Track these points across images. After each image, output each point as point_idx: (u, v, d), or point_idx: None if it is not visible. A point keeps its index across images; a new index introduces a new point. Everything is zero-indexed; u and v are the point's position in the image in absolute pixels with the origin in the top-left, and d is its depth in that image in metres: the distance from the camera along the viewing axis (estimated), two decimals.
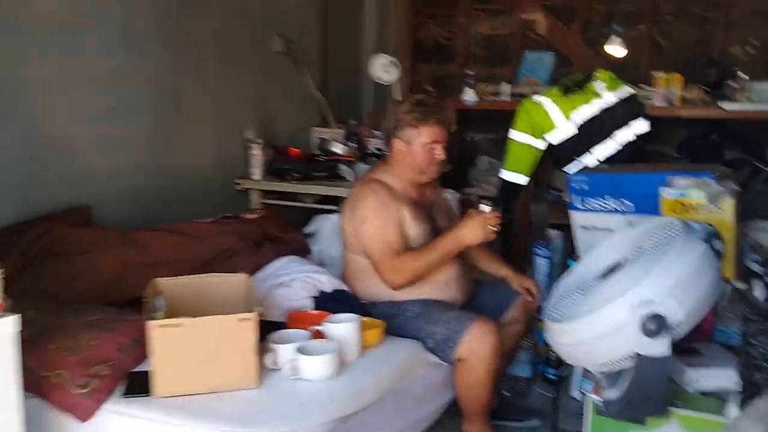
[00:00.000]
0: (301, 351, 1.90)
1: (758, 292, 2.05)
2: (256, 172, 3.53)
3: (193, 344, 1.79)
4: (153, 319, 1.80)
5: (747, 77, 3.62)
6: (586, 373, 2.71)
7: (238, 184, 3.58)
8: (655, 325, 1.75)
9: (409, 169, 2.41)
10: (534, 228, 4.15)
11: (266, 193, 3.62)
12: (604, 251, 2.19)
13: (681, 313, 1.77)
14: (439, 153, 2.40)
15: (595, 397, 2.00)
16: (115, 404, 1.80)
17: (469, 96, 3.92)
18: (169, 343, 1.77)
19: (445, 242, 2.29)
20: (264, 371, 1.90)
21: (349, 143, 3.76)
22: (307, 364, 1.87)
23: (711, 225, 1.98)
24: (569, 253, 3.15)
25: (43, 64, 2.53)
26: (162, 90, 3.11)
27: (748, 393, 1.49)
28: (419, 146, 2.37)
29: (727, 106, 3.55)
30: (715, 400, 1.95)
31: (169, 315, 1.90)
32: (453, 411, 2.42)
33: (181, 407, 1.76)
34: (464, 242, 2.27)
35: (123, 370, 1.88)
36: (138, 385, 1.83)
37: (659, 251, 1.91)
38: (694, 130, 4.10)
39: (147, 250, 2.36)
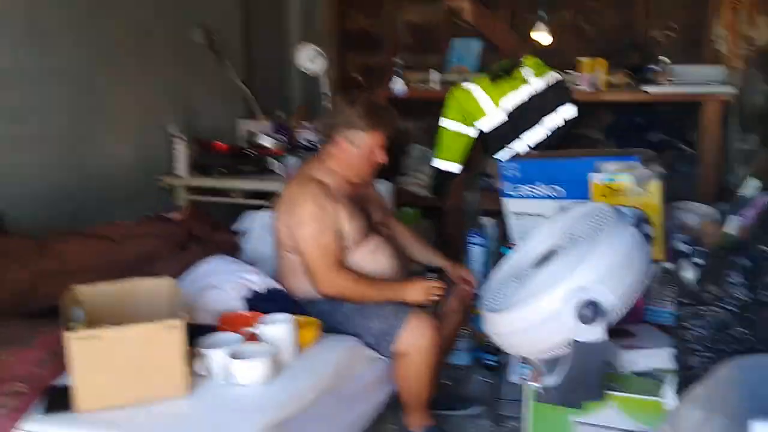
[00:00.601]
0: (234, 355, 1.82)
1: (686, 272, 2.10)
2: (181, 169, 3.40)
3: (116, 355, 1.69)
4: (70, 330, 1.69)
5: (668, 61, 3.70)
6: (525, 360, 2.74)
7: (162, 181, 3.44)
8: (590, 311, 1.76)
9: (347, 168, 2.36)
10: (467, 216, 4.17)
11: (192, 190, 3.49)
12: (538, 239, 2.19)
13: (614, 298, 1.78)
14: (382, 158, 2.38)
15: (534, 384, 2.00)
16: (35, 423, 1.68)
17: (398, 85, 3.88)
18: (90, 355, 1.66)
19: (388, 288, 2.31)
20: (195, 378, 1.82)
21: (278, 136, 3.66)
22: (240, 369, 1.79)
23: (640, 209, 2.00)
24: (503, 241, 3.16)
25: None
26: (75, 87, 2.96)
27: (684, 377, 1.50)
28: (365, 151, 2.34)
29: (649, 89, 3.62)
30: (651, 380, 1.98)
31: (90, 324, 1.79)
32: (394, 404, 2.39)
33: (106, 422, 1.66)
34: (404, 297, 2.29)
35: (41, 386, 1.75)
36: (59, 401, 1.71)
37: (591, 238, 1.91)
38: (620, 114, 4.18)
39: (63, 258, 2.22)
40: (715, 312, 1.47)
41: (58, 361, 1.79)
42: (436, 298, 2.31)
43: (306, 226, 2.27)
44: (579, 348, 1.79)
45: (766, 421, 1.13)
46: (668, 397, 1.65)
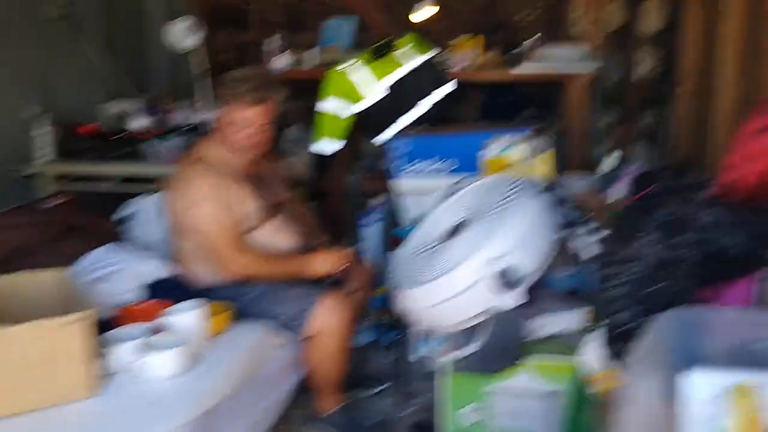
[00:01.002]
0: (143, 348, 1.68)
1: (575, 241, 2.19)
2: (44, 155, 3.10)
3: (7, 358, 1.50)
4: None
5: (536, 40, 3.86)
6: (428, 335, 2.77)
7: (20, 170, 3.12)
8: (509, 278, 1.79)
9: (232, 144, 2.23)
10: (351, 198, 4.14)
11: (59, 179, 3.20)
12: (443, 213, 2.20)
13: (530, 263, 1.83)
14: (253, 134, 2.22)
15: (443, 358, 2.01)
16: None
17: (281, 62, 3.76)
18: None
19: (294, 263, 2.26)
20: (101, 378, 1.66)
21: (150, 117, 3.43)
22: (153, 362, 1.66)
23: (546, 177, 2.06)
24: (393, 222, 3.16)
25: None
26: None
27: (612, 337, 1.57)
28: (235, 124, 2.19)
29: (519, 68, 3.75)
30: (563, 341, 2.04)
31: None
32: (302, 388, 2.33)
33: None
34: (312, 270, 2.25)
35: None
36: None
37: (503, 206, 1.94)
38: (493, 94, 4.32)
39: None
40: (633, 270, 1.54)
41: None
42: (340, 269, 2.27)
43: (201, 206, 2.15)
44: (498, 316, 1.82)
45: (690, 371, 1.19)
46: (590, 355, 1.72)
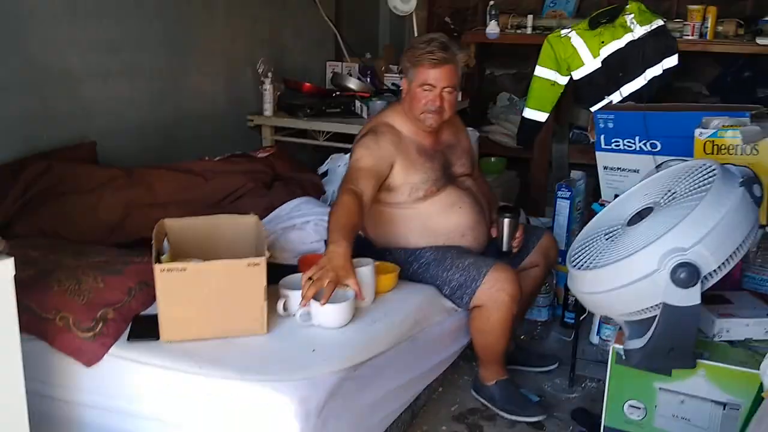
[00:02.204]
0: (315, 297, 1.82)
1: None
2: (268, 108, 3.41)
3: (200, 289, 1.72)
4: (159, 262, 1.73)
5: None
6: (606, 319, 2.66)
7: (251, 120, 3.47)
8: (686, 274, 1.66)
9: (409, 111, 2.26)
10: (555, 168, 4.04)
11: (279, 130, 3.51)
12: (634, 196, 2.07)
13: (713, 262, 1.68)
14: (435, 98, 2.19)
15: (617, 345, 1.92)
16: (120, 349, 1.75)
17: (492, 29, 3.73)
18: (175, 287, 1.70)
19: (331, 235, 1.97)
20: (275, 317, 1.84)
21: (364, 78, 3.61)
22: (320, 312, 1.80)
23: (748, 168, 1.85)
24: (593, 196, 3.04)
25: None
26: (167, 22, 2.98)
27: None
28: (416, 87, 2.21)
29: (762, 41, 3.35)
30: (744, 350, 1.88)
31: (176, 257, 1.83)
32: (469, 355, 2.37)
33: (188, 353, 1.70)
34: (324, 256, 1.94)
35: (129, 314, 1.82)
36: (144, 330, 1.78)
37: (693, 196, 1.79)
38: (727, 67, 3.91)
39: (152, 190, 2.27)
40: None
41: (146, 291, 1.85)
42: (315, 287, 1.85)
43: (354, 153, 2.23)
44: (669, 312, 1.70)
45: None
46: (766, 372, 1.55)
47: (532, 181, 4.00)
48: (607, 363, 1.95)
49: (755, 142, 2.23)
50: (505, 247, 2.35)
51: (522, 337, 2.80)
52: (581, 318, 2.71)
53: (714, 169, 1.80)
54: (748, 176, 1.78)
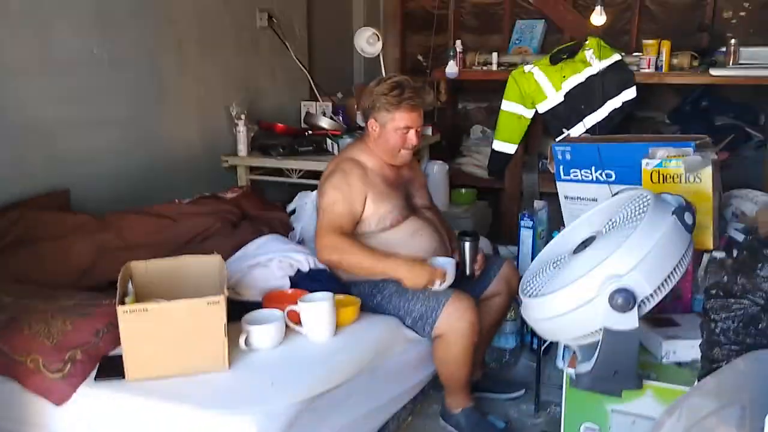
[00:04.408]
0: (251, 320, 1.95)
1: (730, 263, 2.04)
2: (242, 149, 3.52)
3: (162, 328, 1.80)
4: (123, 303, 1.81)
5: (736, 42, 3.56)
6: (567, 345, 2.73)
7: (225, 161, 3.57)
8: (623, 299, 1.74)
9: (381, 149, 2.39)
10: (526, 197, 4.14)
11: (253, 170, 3.61)
12: (579, 226, 2.17)
13: (648, 287, 1.76)
14: (411, 139, 2.37)
15: (570, 369, 2.00)
16: (88, 387, 1.82)
17: (451, 68, 3.88)
18: (138, 327, 1.78)
19: (388, 263, 2.24)
20: (237, 353, 1.91)
21: (336, 117, 3.73)
22: (254, 334, 1.92)
23: (682, 197, 1.95)
24: (556, 225, 3.14)
25: (16, 46, 2.52)
26: (141, 70, 3.09)
27: (706, 368, 1.49)
28: (392, 130, 2.34)
29: (714, 72, 3.49)
30: (691, 371, 1.95)
31: (143, 298, 1.91)
32: (438, 383, 2.44)
33: (153, 390, 1.77)
34: (400, 277, 2.23)
35: (98, 355, 1.89)
36: (111, 369, 1.85)
37: (629, 225, 1.89)
38: (686, 97, 4.05)
39: (122, 234, 2.36)
40: (744, 305, 1.44)
41: (114, 332, 1.92)
42: (436, 287, 2.23)
43: (326, 196, 2.33)
44: (610, 336, 1.78)
45: None
46: None
47: (504, 210, 4.11)
48: None
49: (698, 171, 2.35)
50: (468, 271, 2.44)
51: (491, 364, 2.87)
52: (546, 344, 2.80)
53: (647, 198, 1.91)
54: (681, 205, 1.88)
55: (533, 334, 2.97)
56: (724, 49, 3.63)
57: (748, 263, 1.50)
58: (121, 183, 2.95)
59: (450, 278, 2.25)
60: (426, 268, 2.23)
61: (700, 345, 1.56)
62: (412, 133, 2.36)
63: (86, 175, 2.79)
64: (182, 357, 1.82)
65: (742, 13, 4.11)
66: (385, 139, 2.37)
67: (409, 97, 2.33)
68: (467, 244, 2.41)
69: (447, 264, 2.27)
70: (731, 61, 3.53)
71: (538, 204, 3.22)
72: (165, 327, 1.80)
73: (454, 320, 2.21)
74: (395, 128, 2.34)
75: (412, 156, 2.47)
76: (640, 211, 1.91)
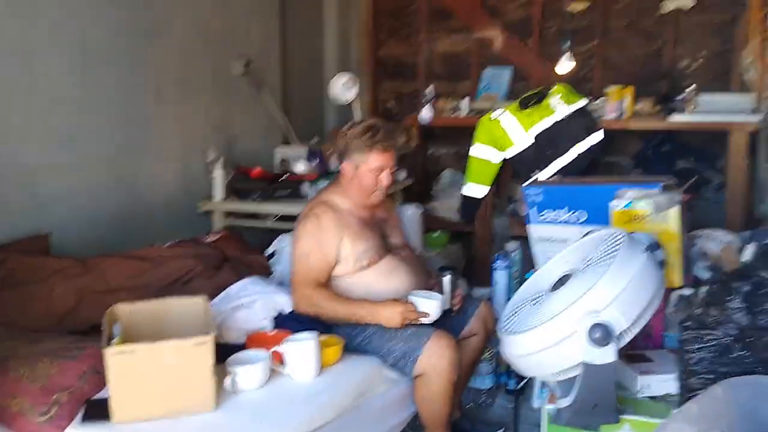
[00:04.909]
0: (236, 362, 1.97)
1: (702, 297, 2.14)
2: (218, 194, 3.55)
3: (149, 370, 1.81)
4: (110, 345, 1.82)
5: (694, 89, 3.74)
6: (545, 384, 2.79)
7: (201, 205, 3.60)
8: (601, 334, 1.81)
9: (355, 191, 2.46)
10: (497, 240, 4.23)
11: (230, 214, 3.64)
12: (556, 264, 2.25)
13: (625, 321, 1.84)
14: (384, 180, 2.44)
15: (549, 406, 2.05)
16: (74, 430, 1.81)
17: (424, 113, 4.00)
18: (125, 369, 1.79)
19: (363, 308, 2.32)
20: (223, 395, 1.93)
21: (311, 162, 3.80)
22: (240, 375, 1.94)
23: (653, 236, 2.05)
24: (527, 266, 3.22)
25: None
26: (121, 114, 3.13)
27: (685, 398, 1.55)
28: (366, 171, 2.42)
29: (675, 118, 3.66)
30: (665, 404, 2.01)
31: (128, 340, 1.92)
32: (416, 424, 2.46)
33: None
34: (378, 321, 2.30)
35: (83, 397, 1.89)
36: (97, 412, 1.85)
37: (604, 263, 1.97)
38: (648, 142, 4.22)
39: (104, 277, 2.37)
40: (717, 336, 1.52)
41: (99, 375, 1.92)
42: (411, 321, 2.29)
43: (300, 243, 2.39)
44: (589, 370, 1.85)
45: None
46: None
47: (476, 253, 4.19)
48: None
49: (665, 211, 2.46)
50: (447, 305, 2.48)
51: (468, 405, 2.90)
52: (522, 383, 2.85)
53: (622, 237, 1.99)
54: (652, 242, 1.98)
55: (509, 375, 3.02)
56: (682, 96, 3.81)
57: (718, 296, 1.58)
58: (101, 226, 2.96)
59: (436, 313, 2.31)
60: (397, 306, 2.27)
61: (679, 375, 1.63)
62: (384, 174, 2.44)
63: (67, 218, 2.80)
64: (169, 398, 1.83)
65: (699, 63, 4.34)
66: (358, 180, 2.44)
67: (382, 139, 2.42)
68: (447, 279, 2.47)
69: (435, 299, 2.33)
70: (690, 108, 3.70)
71: (511, 246, 3.31)
72: (152, 368, 1.81)
73: (435, 359, 2.25)
74: (369, 169, 2.42)
75: (385, 197, 2.54)
76: (614, 248, 2.00)
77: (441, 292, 2.47)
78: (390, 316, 2.27)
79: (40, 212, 2.69)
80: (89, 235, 2.89)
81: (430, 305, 2.30)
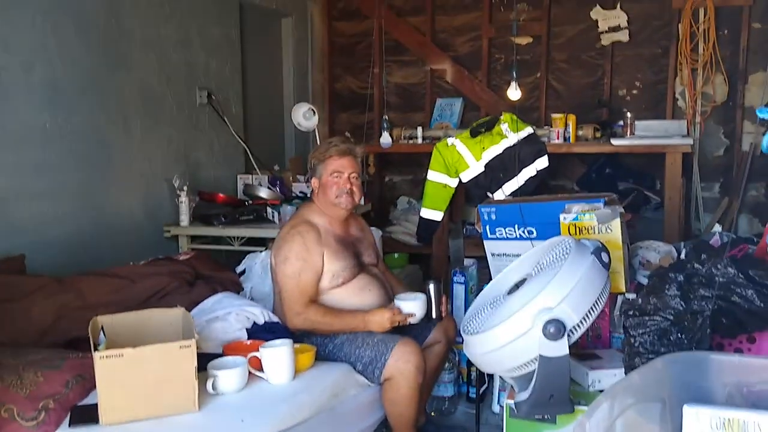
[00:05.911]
0: (216, 367, 2.09)
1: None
2: (184, 219, 3.65)
3: (136, 372, 1.90)
4: (97, 351, 1.91)
5: (631, 116, 4.04)
6: (504, 387, 2.95)
7: (167, 231, 3.69)
8: (555, 328, 1.99)
9: (326, 202, 2.61)
10: (452, 261, 4.42)
11: (195, 239, 3.74)
12: (511, 271, 2.44)
13: (575, 316, 2.02)
14: (346, 182, 2.59)
15: (509, 401, 2.21)
16: None
17: (385, 139, 4.19)
18: (113, 372, 1.88)
19: (353, 318, 2.50)
20: (205, 397, 2.03)
21: (273, 187, 3.94)
22: (221, 378, 2.05)
23: (599, 241, 2.25)
24: (486, 280, 3.40)
25: None
26: (90, 144, 3.24)
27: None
28: (327, 177, 2.59)
29: (615, 141, 3.94)
30: None
31: (111, 347, 2.01)
32: (385, 429, 2.59)
33: None
34: (369, 327, 2.49)
35: (68, 404, 1.97)
36: (83, 417, 1.93)
37: (555, 266, 2.16)
38: (591, 165, 4.50)
39: (82, 294, 2.45)
40: (656, 321, 1.71)
41: (82, 384, 2.02)
42: (397, 324, 2.49)
43: (289, 263, 2.52)
44: (545, 363, 2.02)
45: (694, 405, 1.37)
46: None
47: (433, 273, 4.36)
48: None
49: (608, 223, 2.68)
50: (434, 313, 2.64)
51: (432, 412, 3.04)
52: (482, 389, 3.01)
53: (569, 243, 2.19)
54: (597, 247, 2.17)
55: (469, 383, 3.18)
56: (621, 122, 4.11)
57: (657, 286, 1.78)
58: (72, 249, 3.04)
59: (420, 311, 2.51)
60: (385, 312, 2.49)
61: (623, 358, 1.81)
62: (346, 178, 2.60)
63: (39, 242, 2.87)
64: (155, 400, 1.93)
65: (635, 91, 4.67)
66: (324, 189, 2.61)
67: (337, 143, 2.63)
68: (432, 287, 2.63)
69: (418, 299, 2.53)
70: (628, 133, 3.99)
71: (468, 262, 3.49)
72: (139, 371, 1.91)
73: (402, 363, 2.39)
74: (329, 174, 2.59)
75: (355, 202, 2.67)
76: (564, 253, 2.19)
77: (428, 300, 2.62)
78: (380, 321, 2.46)
79: (13, 236, 2.77)
80: (59, 259, 2.97)
81: (414, 305, 2.50)
